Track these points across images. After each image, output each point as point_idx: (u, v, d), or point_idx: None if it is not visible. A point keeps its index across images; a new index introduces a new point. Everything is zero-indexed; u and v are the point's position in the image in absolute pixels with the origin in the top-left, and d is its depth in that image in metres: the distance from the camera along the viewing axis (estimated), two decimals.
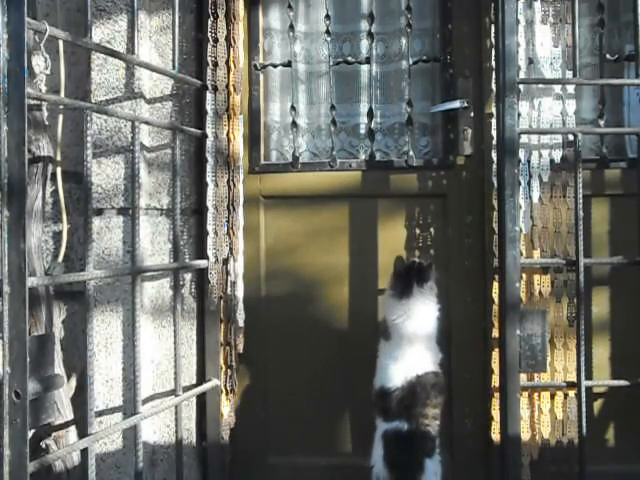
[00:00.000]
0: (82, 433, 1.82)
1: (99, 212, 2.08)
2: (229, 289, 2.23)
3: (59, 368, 1.87)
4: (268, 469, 2.32)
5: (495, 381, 2.08)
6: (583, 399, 1.97)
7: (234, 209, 2.23)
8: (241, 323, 2.26)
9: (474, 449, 2.22)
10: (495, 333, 2.08)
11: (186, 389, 2.14)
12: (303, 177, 2.33)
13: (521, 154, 2.08)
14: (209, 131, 2.20)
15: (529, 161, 2.12)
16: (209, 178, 2.20)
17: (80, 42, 1.72)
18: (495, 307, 2.07)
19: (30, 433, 1.47)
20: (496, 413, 2.06)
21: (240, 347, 2.26)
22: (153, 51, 2.15)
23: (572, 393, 2.08)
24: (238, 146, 2.24)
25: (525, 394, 2.07)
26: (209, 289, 2.21)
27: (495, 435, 2.08)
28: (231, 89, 2.22)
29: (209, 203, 2.20)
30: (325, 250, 2.31)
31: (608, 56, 2.16)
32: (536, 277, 2.11)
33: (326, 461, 2.29)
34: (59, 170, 2.07)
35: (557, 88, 2.13)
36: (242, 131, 2.26)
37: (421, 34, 2.36)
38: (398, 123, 2.38)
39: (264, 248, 2.34)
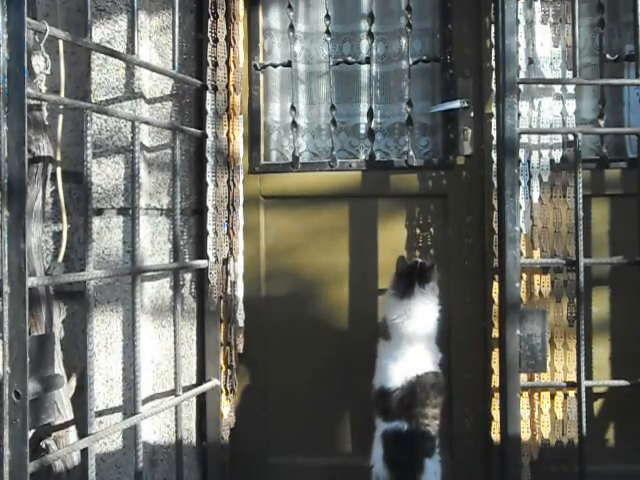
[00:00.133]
0: (82, 433, 1.82)
1: (99, 212, 2.08)
2: (229, 289, 2.23)
3: (59, 368, 1.87)
4: (268, 469, 2.32)
5: (495, 381, 2.08)
6: (583, 399, 1.97)
7: (234, 209, 2.23)
8: (241, 323, 2.26)
9: (474, 449, 2.22)
10: (495, 333, 2.08)
11: (186, 389, 2.14)
12: (303, 177, 2.33)
13: (521, 154, 2.08)
14: (209, 131, 2.20)
15: (529, 161, 2.12)
16: (209, 178, 2.20)
17: (80, 42, 1.72)
18: (495, 307, 2.07)
19: (30, 433, 1.47)
20: (496, 413, 2.06)
21: (240, 347, 2.26)
22: (153, 51, 2.15)
23: (572, 393, 2.08)
24: (238, 146, 2.24)
25: (525, 394, 2.07)
26: (209, 289, 2.21)
27: (495, 435, 2.08)
28: (231, 89, 2.22)
29: (209, 203, 2.20)
30: (325, 250, 2.31)
31: (608, 56, 2.16)
32: (536, 277, 2.11)
33: (326, 461, 2.29)
34: (59, 170, 2.06)
35: (557, 88, 2.13)
36: (242, 131, 2.26)
37: (421, 34, 2.36)
38: (398, 123, 2.38)
39: (264, 248, 2.34)
